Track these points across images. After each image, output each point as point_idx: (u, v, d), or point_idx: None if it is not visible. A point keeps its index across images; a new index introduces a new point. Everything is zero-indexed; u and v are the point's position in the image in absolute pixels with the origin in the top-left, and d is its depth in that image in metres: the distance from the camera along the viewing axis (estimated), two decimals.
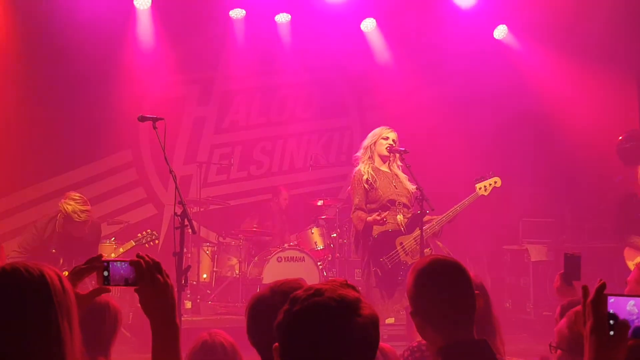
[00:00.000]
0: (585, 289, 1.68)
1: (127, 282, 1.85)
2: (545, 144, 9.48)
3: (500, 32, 9.80)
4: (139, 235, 6.47)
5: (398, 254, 6.04)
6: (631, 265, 7.06)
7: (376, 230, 6.10)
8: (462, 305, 2.27)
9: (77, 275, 1.90)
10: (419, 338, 3.35)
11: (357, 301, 1.53)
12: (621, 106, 8.65)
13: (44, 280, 1.64)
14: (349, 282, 2.63)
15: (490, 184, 6.35)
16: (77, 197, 6.10)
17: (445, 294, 2.27)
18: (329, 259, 8.34)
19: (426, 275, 2.32)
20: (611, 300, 1.69)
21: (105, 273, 1.87)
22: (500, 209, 8.64)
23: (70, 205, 6.00)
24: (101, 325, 2.34)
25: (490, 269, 9.18)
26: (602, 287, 1.66)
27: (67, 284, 1.69)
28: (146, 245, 6.43)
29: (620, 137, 8.35)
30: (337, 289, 1.54)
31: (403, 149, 6.10)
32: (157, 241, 6.53)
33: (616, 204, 7.27)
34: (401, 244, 6.08)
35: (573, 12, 8.59)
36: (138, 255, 1.85)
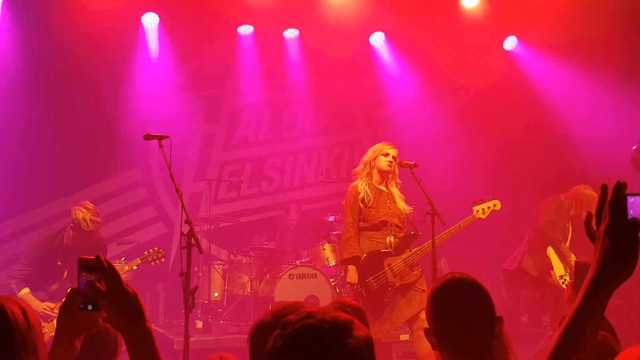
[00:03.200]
0: (604, 188, 1.49)
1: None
2: (558, 154, 9.37)
3: (510, 43, 9.74)
4: (145, 253, 6.32)
5: (385, 274, 5.93)
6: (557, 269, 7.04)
7: (365, 250, 6.01)
8: (478, 329, 2.16)
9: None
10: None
11: (350, 323, 1.48)
12: (635, 115, 8.54)
13: (5, 315, 1.56)
14: (352, 303, 2.52)
15: (488, 207, 6.18)
16: (91, 207, 6.11)
17: (459, 315, 2.18)
18: (342, 275, 8.19)
19: (440, 294, 2.24)
20: (631, 200, 1.47)
21: (90, 307, 1.64)
22: (514, 222, 8.52)
23: (82, 212, 6.00)
24: (98, 352, 2.17)
25: (506, 283, 9.04)
26: (620, 185, 1.47)
27: (33, 318, 1.60)
28: (152, 263, 6.31)
29: (634, 147, 8.23)
30: (330, 312, 1.50)
31: (413, 162, 5.99)
32: (163, 259, 6.39)
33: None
34: (389, 265, 5.96)
35: (583, 22, 8.50)
36: (97, 258, 1.60)
